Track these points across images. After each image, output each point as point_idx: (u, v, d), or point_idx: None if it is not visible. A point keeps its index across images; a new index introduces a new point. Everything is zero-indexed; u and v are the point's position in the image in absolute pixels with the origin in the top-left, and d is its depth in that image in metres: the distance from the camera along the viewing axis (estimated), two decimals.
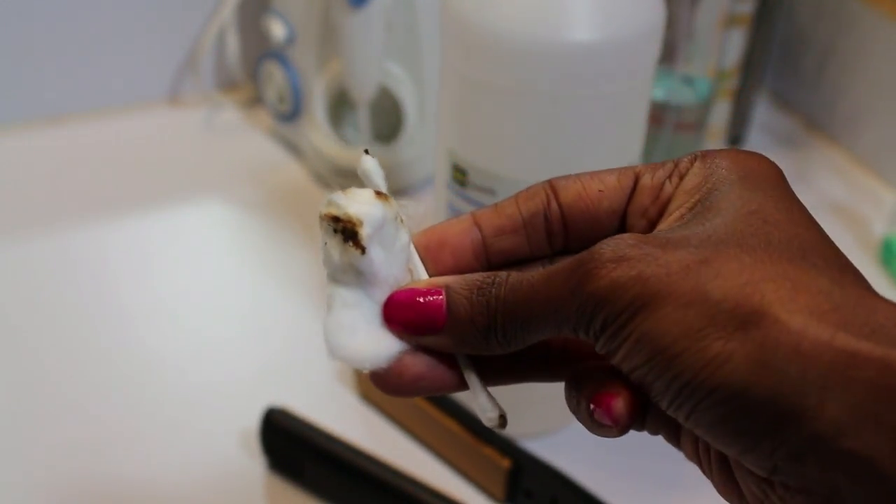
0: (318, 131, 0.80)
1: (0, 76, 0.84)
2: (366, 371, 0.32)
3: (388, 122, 0.81)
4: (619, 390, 0.30)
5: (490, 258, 0.33)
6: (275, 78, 0.82)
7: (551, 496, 0.55)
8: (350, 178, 0.80)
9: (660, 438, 0.34)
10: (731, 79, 0.77)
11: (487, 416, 0.31)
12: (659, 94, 0.73)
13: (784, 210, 0.30)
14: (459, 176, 0.54)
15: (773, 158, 0.32)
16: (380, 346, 0.31)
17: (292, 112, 0.82)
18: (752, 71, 0.84)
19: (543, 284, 0.30)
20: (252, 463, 0.59)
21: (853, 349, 0.26)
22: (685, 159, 0.32)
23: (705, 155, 0.32)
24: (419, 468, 0.57)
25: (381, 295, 0.32)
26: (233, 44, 0.87)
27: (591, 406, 0.30)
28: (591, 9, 0.49)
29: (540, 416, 0.61)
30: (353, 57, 0.75)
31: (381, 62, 0.76)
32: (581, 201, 0.33)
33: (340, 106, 0.81)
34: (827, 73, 0.89)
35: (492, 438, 0.57)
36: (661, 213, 0.32)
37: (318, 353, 0.72)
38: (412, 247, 0.33)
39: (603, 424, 0.30)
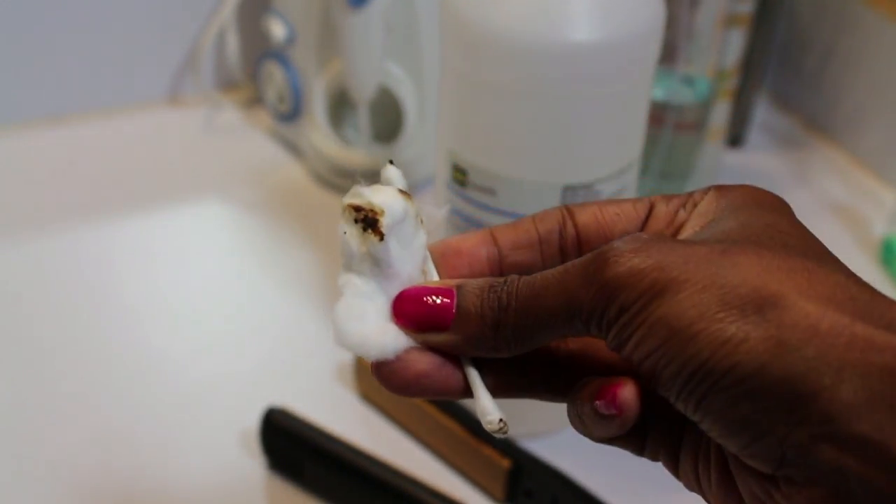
0: (318, 131, 0.80)
1: (0, 76, 0.84)
2: (370, 360, 0.32)
3: (388, 122, 0.81)
4: (624, 380, 0.30)
5: (504, 272, 0.34)
6: (275, 78, 0.82)
7: (551, 496, 0.55)
8: (350, 178, 0.80)
9: None
10: (731, 79, 0.77)
11: (488, 420, 0.31)
12: (659, 94, 0.73)
13: (796, 226, 0.31)
14: (459, 176, 0.54)
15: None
16: (387, 337, 0.32)
17: (292, 112, 0.82)
18: (752, 71, 0.84)
19: (558, 276, 0.30)
20: (252, 463, 0.59)
21: (870, 335, 0.26)
22: (699, 191, 0.33)
23: (720, 187, 0.33)
24: (419, 468, 0.57)
25: (394, 290, 0.32)
26: (233, 44, 0.87)
27: (596, 402, 0.30)
28: (591, 9, 0.49)
29: (540, 416, 0.61)
30: (353, 57, 0.75)
31: (381, 62, 0.76)
32: (596, 223, 0.33)
33: (340, 106, 0.81)
34: (827, 74, 0.89)
35: (492, 438, 0.57)
36: (675, 236, 0.32)
37: (318, 352, 0.72)
38: (428, 251, 0.33)
39: (607, 416, 0.30)
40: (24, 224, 0.77)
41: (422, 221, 0.33)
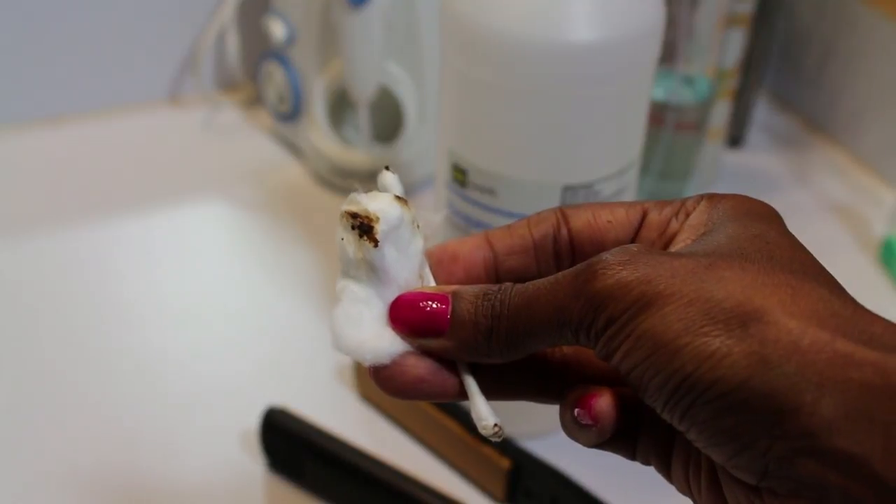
0: (318, 131, 0.80)
1: (0, 76, 0.84)
2: (367, 365, 0.32)
3: (388, 122, 0.81)
4: (602, 391, 0.31)
5: (500, 276, 0.35)
6: (275, 78, 0.82)
7: (551, 496, 0.55)
8: (350, 178, 0.80)
9: None
10: (731, 79, 0.77)
11: (483, 425, 0.32)
12: (659, 94, 0.73)
13: (785, 237, 0.31)
14: (459, 176, 0.54)
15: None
16: (383, 342, 0.32)
17: (292, 112, 0.82)
18: (752, 71, 0.84)
19: (549, 287, 0.30)
20: (252, 463, 0.59)
21: (850, 351, 0.26)
22: (692, 199, 0.33)
23: (711, 196, 0.33)
24: (419, 468, 0.57)
25: (391, 295, 0.33)
26: (233, 44, 0.87)
27: (575, 410, 0.31)
28: (591, 9, 0.49)
29: (540, 416, 0.61)
30: (353, 57, 0.75)
31: (381, 62, 0.76)
32: (589, 229, 0.34)
33: (340, 106, 0.81)
34: (827, 73, 0.89)
35: None
36: (666, 247, 0.33)
37: (318, 352, 0.72)
38: (424, 256, 0.34)
39: (584, 425, 0.31)
40: (24, 224, 0.77)
41: (418, 227, 0.33)
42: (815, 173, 0.86)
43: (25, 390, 0.64)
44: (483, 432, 0.32)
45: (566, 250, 0.34)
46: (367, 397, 0.64)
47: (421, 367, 0.32)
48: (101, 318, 0.69)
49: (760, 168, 0.86)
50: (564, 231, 0.34)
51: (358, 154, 0.79)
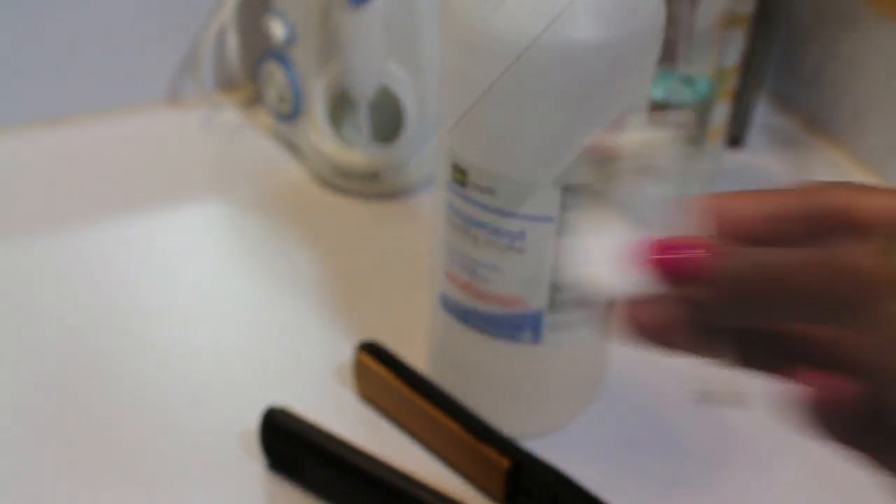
0: (318, 131, 0.80)
1: (0, 76, 0.84)
2: (598, 297, 0.31)
3: (388, 122, 0.81)
4: (826, 375, 0.30)
5: (765, 240, 0.33)
6: (275, 78, 0.82)
7: (551, 496, 0.55)
8: (350, 178, 0.80)
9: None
10: (731, 79, 0.77)
11: (696, 389, 0.31)
12: (659, 94, 0.73)
13: None
14: (459, 176, 0.54)
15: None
16: (619, 278, 0.31)
17: (292, 112, 0.82)
18: (752, 71, 0.84)
19: (813, 261, 0.29)
20: (252, 463, 0.59)
21: None
22: None
23: None
24: (419, 468, 0.57)
25: (637, 232, 0.32)
26: (233, 44, 0.87)
27: (798, 389, 0.30)
28: (591, 9, 0.49)
29: (540, 416, 0.61)
30: (353, 57, 0.75)
31: (381, 62, 0.76)
32: (848, 210, 0.32)
33: (340, 106, 0.81)
34: (827, 74, 0.89)
35: (492, 438, 0.57)
36: None
37: (318, 352, 0.72)
38: (685, 202, 0.32)
39: (804, 403, 0.30)
40: (23, 225, 0.77)
41: (679, 171, 0.32)
42: (816, 174, 0.86)
43: (22, 390, 0.64)
44: (693, 396, 0.31)
45: (829, 227, 0.32)
46: (367, 397, 0.64)
47: (653, 310, 0.31)
48: (100, 317, 0.69)
49: (760, 168, 0.86)
50: (842, 207, 0.32)
51: (358, 154, 0.79)
